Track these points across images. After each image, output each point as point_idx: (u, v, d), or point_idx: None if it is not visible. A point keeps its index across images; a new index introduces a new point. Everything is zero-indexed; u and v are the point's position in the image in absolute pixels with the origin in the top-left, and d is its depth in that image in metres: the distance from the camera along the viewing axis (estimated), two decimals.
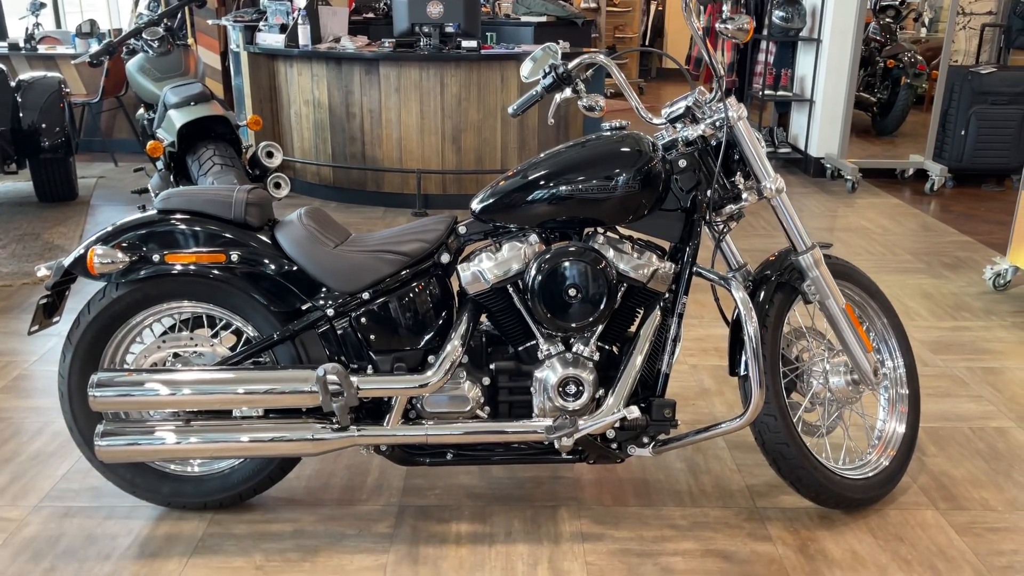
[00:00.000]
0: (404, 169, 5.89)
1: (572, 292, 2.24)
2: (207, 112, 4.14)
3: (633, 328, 2.42)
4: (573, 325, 2.27)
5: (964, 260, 4.90)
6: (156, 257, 2.29)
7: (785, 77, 7.24)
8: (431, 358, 2.37)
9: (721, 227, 2.41)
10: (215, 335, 2.47)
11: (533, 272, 2.26)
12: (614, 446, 2.37)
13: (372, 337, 2.34)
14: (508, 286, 2.34)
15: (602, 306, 2.26)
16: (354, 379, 2.24)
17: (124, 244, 2.29)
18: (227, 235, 2.31)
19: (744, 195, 2.39)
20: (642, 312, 2.40)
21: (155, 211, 2.35)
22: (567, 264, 2.23)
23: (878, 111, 8.16)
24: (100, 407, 2.22)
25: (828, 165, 6.83)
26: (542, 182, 2.29)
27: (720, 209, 2.39)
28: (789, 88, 7.27)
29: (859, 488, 2.46)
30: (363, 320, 2.33)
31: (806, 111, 7.04)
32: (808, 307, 2.52)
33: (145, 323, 2.40)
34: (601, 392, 2.37)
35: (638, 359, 2.34)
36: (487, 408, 2.39)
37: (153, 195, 4.44)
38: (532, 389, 2.35)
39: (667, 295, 2.38)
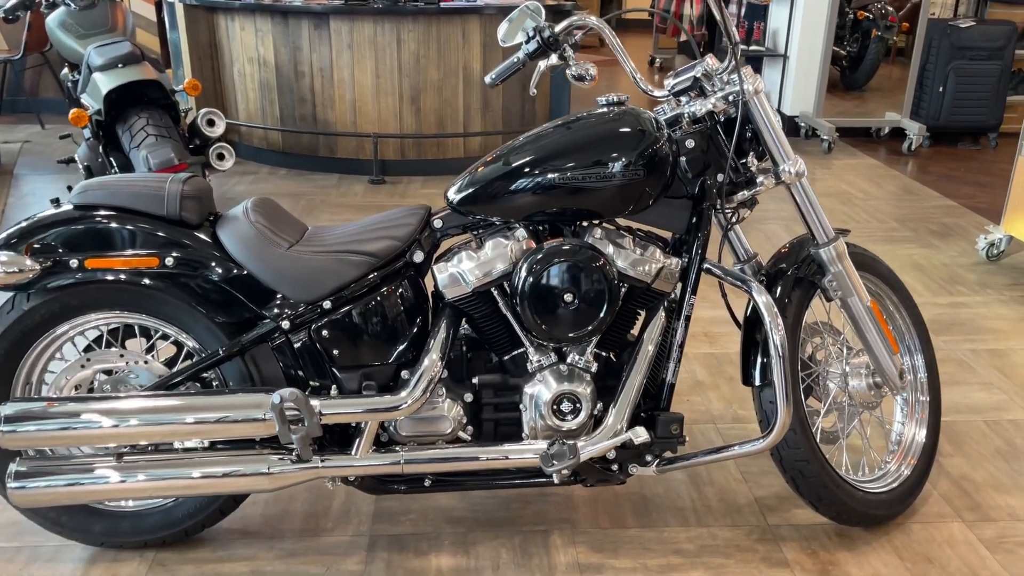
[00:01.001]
0: (359, 133, 5.49)
1: (568, 297, 1.94)
2: (137, 76, 3.70)
3: (634, 332, 2.13)
4: (569, 335, 1.97)
5: (952, 227, 4.70)
6: (74, 262, 1.93)
7: (757, 31, 6.93)
8: (404, 373, 2.05)
9: (731, 216, 2.12)
10: (150, 349, 2.12)
11: (522, 274, 1.94)
12: (614, 467, 2.09)
13: (335, 352, 2.02)
14: (492, 289, 2.03)
15: (602, 312, 1.96)
16: (315, 403, 1.92)
17: (35, 247, 1.92)
18: (160, 235, 1.95)
19: (759, 179, 2.09)
20: (644, 314, 2.11)
21: (71, 206, 1.98)
22: (562, 264, 1.92)
23: (847, 65, 7.91)
24: (13, 444, 1.87)
25: (802, 124, 6.57)
26: (530, 169, 1.96)
27: (731, 195, 2.09)
28: (761, 42, 6.97)
29: (882, 503, 2.23)
30: (324, 332, 2.00)
31: (779, 67, 6.76)
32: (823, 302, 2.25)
33: (66, 335, 2.05)
34: (599, 407, 2.08)
35: (641, 369, 2.06)
36: (469, 428, 2.09)
37: (80, 166, 4.00)
38: (521, 406, 2.06)
39: (672, 295, 2.09)
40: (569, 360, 2.05)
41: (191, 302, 1.99)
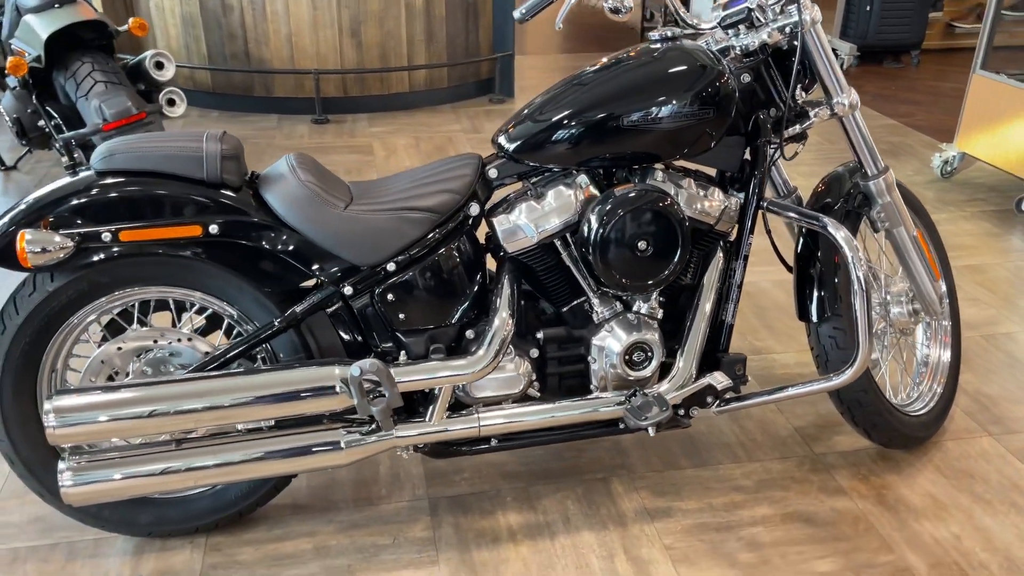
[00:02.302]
0: (298, 70, 5.18)
1: (642, 245, 1.88)
2: (77, 16, 3.35)
3: (688, 277, 2.10)
4: (649, 282, 1.91)
5: (900, 146, 4.84)
6: (107, 236, 1.74)
7: None
8: (469, 333, 1.97)
9: (776, 152, 2.09)
10: (182, 323, 1.96)
11: (592, 223, 1.87)
12: (680, 411, 2.08)
13: (400, 315, 1.91)
14: (556, 240, 1.95)
15: (676, 258, 1.91)
16: (390, 369, 1.82)
17: (61, 221, 1.72)
18: (202, 200, 1.78)
19: (813, 112, 2.07)
20: (702, 257, 2.08)
21: (92, 172, 1.78)
22: (635, 211, 1.86)
23: None
24: (63, 440, 1.70)
25: None
26: (591, 113, 1.87)
27: (782, 130, 2.06)
28: None
29: (923, 425, 2.31)
30: (388, 296, 1.89)
31: None
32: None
33: (95, 315, 1.86)
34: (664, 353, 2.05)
35: (706, 312, 2.03)
36: (536, 383, 2.03)
37: (7, 119, 3.63)
38: (589, 359, 2.01)
39: (729, 235, 2.07)
40: (635, 309, 2.01)
41: (238, 272, 1.83)
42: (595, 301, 2.00)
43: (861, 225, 2.19)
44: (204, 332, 2.05)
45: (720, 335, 2.09)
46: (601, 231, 1.86)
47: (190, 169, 1.77)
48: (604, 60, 2.01)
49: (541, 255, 1.97)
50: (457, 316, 1.95)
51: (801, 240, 2.17)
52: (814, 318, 2.11)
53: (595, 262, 1.88)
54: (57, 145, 3.50)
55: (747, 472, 2.26)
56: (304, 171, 1.84)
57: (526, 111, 1.96)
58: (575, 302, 2.03)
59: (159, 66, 3.54)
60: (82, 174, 1.79)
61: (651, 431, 1.94)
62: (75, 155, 3.41)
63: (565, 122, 1.88)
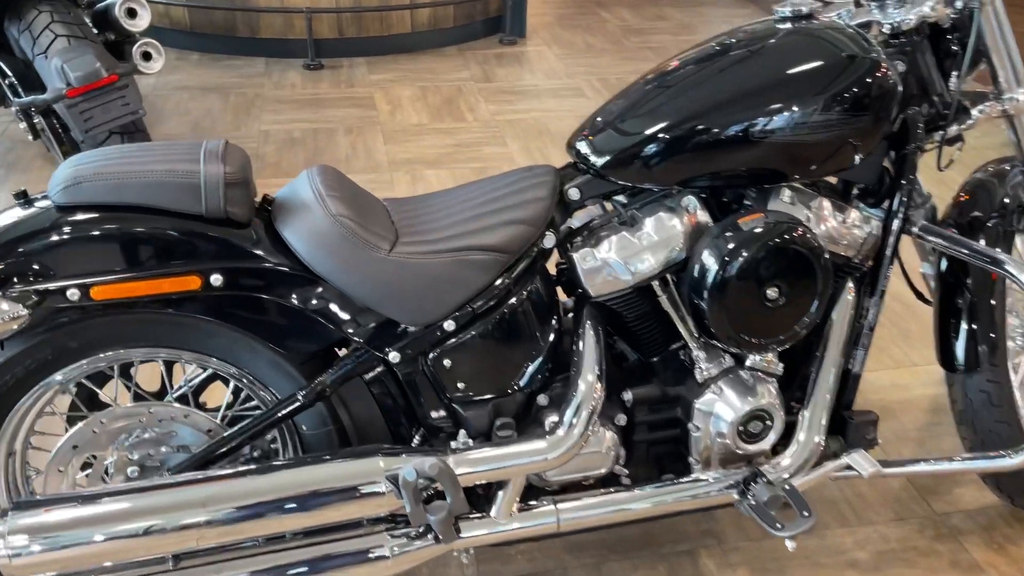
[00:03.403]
0: (287, 8, 4.60)
1: (773, 292, 1.46)
2: None
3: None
4: (780, 339, 1.50)
5: None
6: (74, 294, 1.29)
7: None
8: (542, 399, 1.55)
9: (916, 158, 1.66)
10: (183, 389, 1.53)
11: (707, 264, 1.44)
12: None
13: (459, 384, 1.48)
14: (654, 281, 1.53)
15: (815, 306, 1.50)
16: (450, 461, 1.40)
17: (11, 275, 1.27)
18: (200, 243, 1.33)
19: (977, 109, 1.63)
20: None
21: (50, 204, 1.32)
22: (764, 248, 1.43)
23: None
24: (25, 572, 1.28)
25: None
26: (706, 119, 1.43)
27: (936, 131, 1.63)
28: None
29: None
30: (445, 362, 1.46)
31: None
32: None
33: (62, 384, 1.43)
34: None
35: (835, 360, 1.62)
36: (623, 454, 1.62)
37: None
38: (691, 426, 1.60)
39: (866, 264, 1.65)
40: (749, 363, 1.60)
41: (249, 331, 1.40)
42: (699, 354, 1.58)
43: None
44: (201, 387, 1.62)
45: (845, 388, 1.69)
46: (719, 275, 1.43)
47: (183, 201, 1.32)
48: (711, 44, 1.55)
49: (633, 300, 1.54)
50: (528, 378, 1.53)
51: (943, 265, 1.75)
52: (961, 366, 1.71)
53: (709, 313, 1.46)
54: (14, 109, 2.98)
55: (860, 541, 1.89)
56: (333, 198, 1.39)
57: (614, 113, 1.51)
58: (669, 349, 1.62)
59: (131, 13, 3.00)
60: (38, 206, 1.33)
61: (789, 544, 1.54)
62: (35, 122, 2.91)
63: (669, 132, 1.44)
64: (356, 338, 1.41)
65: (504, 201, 1.48)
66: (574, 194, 1.52)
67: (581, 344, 1.53)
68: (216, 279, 1.34)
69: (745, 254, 1.42)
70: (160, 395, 1.57)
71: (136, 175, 1.30)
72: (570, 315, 1.65)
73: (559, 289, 1.61)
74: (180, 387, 1.54)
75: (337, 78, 4.51)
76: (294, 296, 1.38)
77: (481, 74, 4.61)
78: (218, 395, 1.60)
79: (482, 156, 3.65)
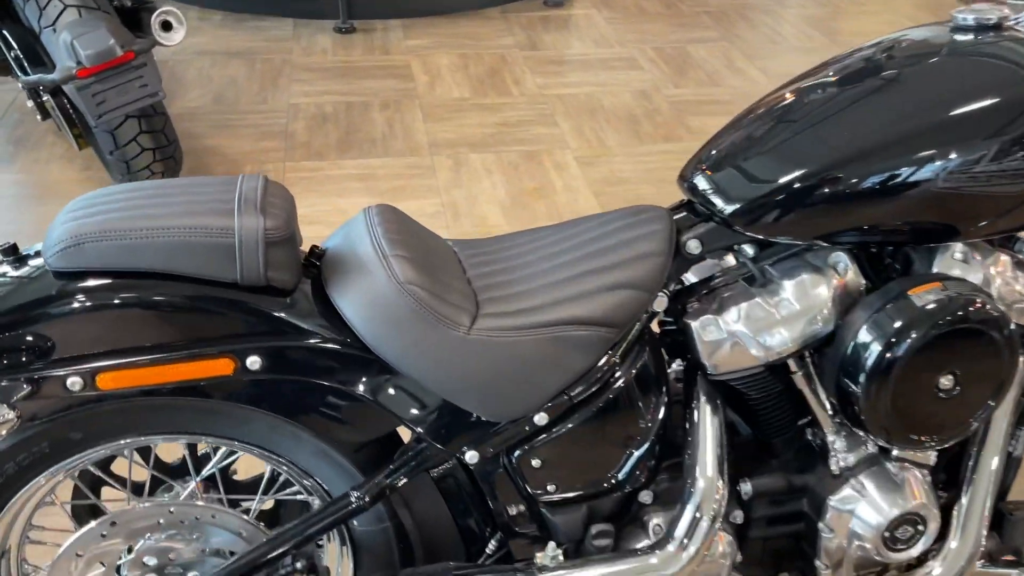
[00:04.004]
0: None
1: (947, 381, 1.17)
2: None
3: None
4: (951, 434, 1.21)
5: None
6: (76, 383, 1.02)
7: None
8: (645, 496, 1.27)
9: None
10: (211, 468, 1.26)
11: (865, 342, 1.15)
12: None
13: (550, 486, 1.21)
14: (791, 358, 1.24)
15: (996, 394, 1.21)
16: None
17: (5, 365, 1.00)
18: (236, 319, 1.05)
19: None
20: None
21: (44, 268, 1.04)
22: (942, 326, 1.13)
23: None
24: None
25: None
26: (871, 161, 1.13)
27: None
28: None
29: None
30: (534, 461, 1.19)
31: None
32: None
33: (60, 479, 1.17)
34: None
35: (997, 444, 1.33)
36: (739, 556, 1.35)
37: None
38: (820, 525, 1.32)
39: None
40: (897, 453, 1.31)
41: (291, 419, 1.13)
42: (835, 440, 1.29)
43: None
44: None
45: (1004, 476, 1.40)
46: (882, 359, 1.14)
47: (214, 266, 1.03)
48: (861, 58, 1.24)
49: (761, 378, 1.25)
50: (629, 472, 1.25)
51: None
52: None
53: (863, 402, 1.17)
54: (20, 86, 2.70)
55: None
56: (400, 258, 1.09)
57: (741, 147, 1.22)
58: (792, 434, 1.34)
59: None
60: (31, 265, 1.06)
61: None
62: (43, 100, 2.62)
63: (818, 178, 1.14)
64: (423, 433, 1.14)
65: (608, 256, 1.18)
66: (694, 247, 1.22)
67: (695, 429, 1.25)
68: (253, 362, 1.06)
69: (917, 335, 1.13)
70: (180, 471, 1.32)
71: (154, 233, 1.01)
72: (677, 382, 1.37)
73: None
74: (208, 469, 1.28)
75: (371, 43, 4.18)
76: (348, 381, 1.10)
77: (526, 41, 4.26)
78: (250, 464, 1.34)
79: (530, 138, 3.33)
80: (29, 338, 1.01)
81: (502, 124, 3.43)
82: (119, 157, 2.58)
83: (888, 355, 1.14)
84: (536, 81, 3.81)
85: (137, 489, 1.29)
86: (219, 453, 1.24)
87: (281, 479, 1.27)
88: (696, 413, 1.26)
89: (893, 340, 1.13)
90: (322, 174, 3.05)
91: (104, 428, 1.12)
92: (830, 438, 1.29)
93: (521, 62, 4.01)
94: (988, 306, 1.15)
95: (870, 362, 1.15)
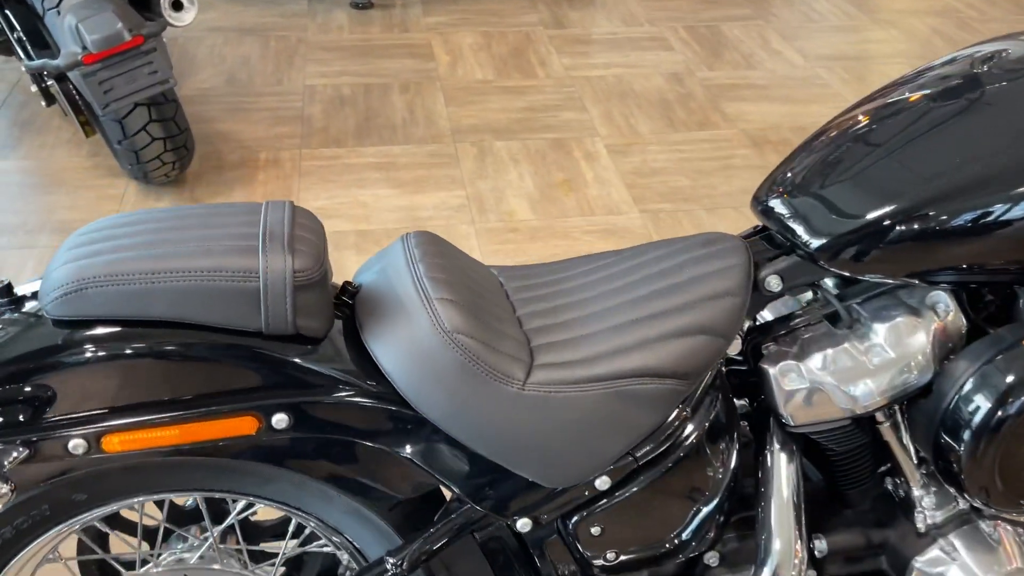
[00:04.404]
0: None
1: None
2: None
3: None
4: None
5: None
6: (78, 446, 0.90)
7: None
8: (711, 558, 1.15)
9: None
10: (231, 520, 1.14)
11: (973, 395, 1.02)
12: None
13: (607, 554, 1.08)
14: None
15: None
16: None
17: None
18: (258, 371, 0.92)
19: None
20: None
21: (47, 317, 0.91)
22: None
23: None
24: None
25: None
26: (983, 191, 1.00)
27: None
28: None
29: None
30: (592, 529, 1.06)
31: None
32: None
33: (63, 537, 1.05)
34: None
35: None
36: None
37: None
38: None
39: None
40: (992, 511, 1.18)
41: (320, 479, 1.00)
42: (921, 495, 1.16)
43: None
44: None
45: None
46: (993, 416, 1.01)
47: (235, 314, 0.90)
48: (954, 68, 1.10)
49: (846, 432, 1.12)
50: (695, 532, 1.12)
51: None
52: None
53: (966, 462, 1.04)
54: (23, 70, 2.55)
55: None
56: (446, 302, 0.95)
57: (824, 171, 1.08)
58: (873, 478, 1.21)
59: None
60: (26, 311, 0.93)
61: None
62: (47, 85, 2.48)
63: (913, 210, 1.00)
64: (469, 498, 1.01)
65: (679, 296, 1.04)
66: (774, 284, 1.08)
67: (769, 481, 1.13)
68: (280, 420, 0.93)
69: None
70: (195, 515, 1.19)
71: (167, 277, 0.88)
72: (743, 420, 1.24)
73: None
74: (227, 521, 1.16)
75: (389, 20, 4.01)
76: (384, 439, 0.97)
77: (551, 18, 4.08)
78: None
79: (558, 124, 3.17)
80: (26, 396, 0.88)
81: (528, 109, 3.27)
82: (128, 147, 2.44)
83: (999, 412, 1.01)
84: (562, 62, 3.64)
85: (148, 534, 1.18)
86: (239, 505, 1.12)
87: (308, 531, 1.15)
88: (769, 462, 1.14)
89: (1005, 396, 1.00)
90: (340, 163, 2.91)
91: (112, 488, 0.99)
92: (916, 492, 1.17)
93: (546, 41, 3.83)
94: None
95: (977, 419, 1.02)
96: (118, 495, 1.00)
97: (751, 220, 1.15)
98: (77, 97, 2.43)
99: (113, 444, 0.90)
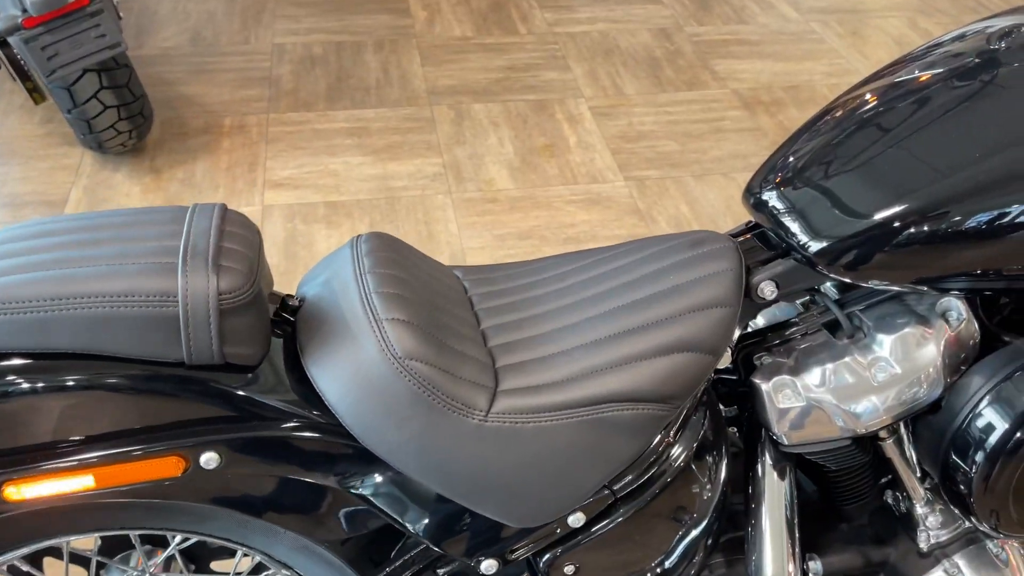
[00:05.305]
0: None
1: None
2: None
3: None
4: None
5: None
6: None
7: None
8: None
9: None
10: (170, 551, 1.04)
11: (987, 412, 0.92)
12: None
13: None
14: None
15: None
16: None
17: None
18: (183, 406, 0.81)
19: None
20: None
21: None
22: None
23: None
24: None
25: None
26: (997, 190, 0.88)
27: None
28: None
29: None
30: (564, 568, 0.96)
31: None
32: None
33: None
34: None
35: None
36: None
37: None
38: None
39: None
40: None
41: (261, 517, 0.90)
42: (925, 512, 1.07)
43: None
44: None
45: None
46: (1009, 437, 0.91)
47: (151, 345, 0.78)
48: (967, 45, 0.99)
49: (846, 452, 1.02)
50: (680, 558, 1.03)
51: None
52: None
53: (976, 484, 0.94)
54: None
55: None
56: (399, 325, 0.83)
57: (824, 159, 0.96)
58: (872, 493, 1.11)
59: None
60: None
61: None
62: None
63: (924, 211, 0.88)
64: (427, 539, 0.90)
65: (662, 306, 0.93)
66: (767, 291, 0.96)
67: (760, 499, 1.03)
68: (209, 459, 0.82)
69: None
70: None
71: (71, 304, 0.76)
72: (731, 426, 1.14)
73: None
74: (165, 554, 1.05)
75: None
76: (331, 475, 0.87)
77: None
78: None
79: (540, 84, 3.02)
80: None
81: (508, 68, 3.12)
82: (79, 116, 2.29)
83: (1017, 434, 0.91)
84: (545, 16, 3.47)
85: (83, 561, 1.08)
86: (177, 538, 1.01)
87: (257, 560, 1.05)
88: (761, 479, 1.04)
89: (1023, 418, 0.90)
90: (310, 128, 2.76)
91: (25, 532, 0.88)
92: (920, 510, 1.07)
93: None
94: None
95: (991, 440, 0.92)
96: (33, 539, 0.90)
97: (742, 186, 1.04)
98: (22, 62, 2.27)
99: (14, 494, 0.79)
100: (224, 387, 0.82)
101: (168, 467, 0.82)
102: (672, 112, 2.89)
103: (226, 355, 0.80)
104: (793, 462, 1.06)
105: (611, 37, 3.33)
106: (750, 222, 1.04)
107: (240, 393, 0.83)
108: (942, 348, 0.96)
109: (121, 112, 2.31)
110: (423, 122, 2.81)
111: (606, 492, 0.92)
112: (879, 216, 0.90)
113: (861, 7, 3.60)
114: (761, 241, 1.00)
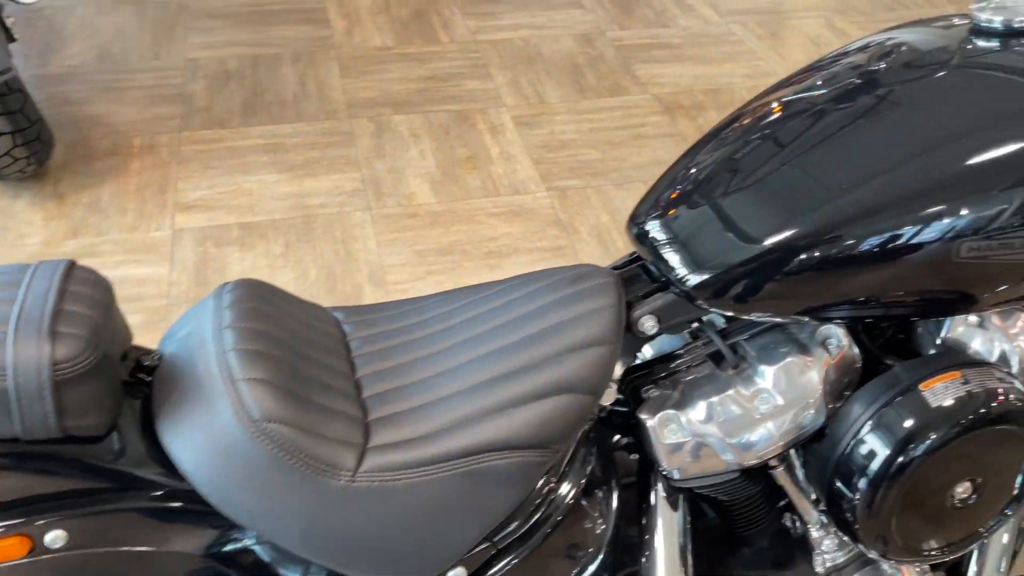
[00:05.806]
0: None
1: (963, 489, 0.93)
2: None
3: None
4: (959, 543, 0.99)
5: None
6: None
7: None
8: None
9: None
10: None
11: (869, 441, 0.91)
12: None
13: None
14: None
15: (1013, 495, 0.98)
16: None
17: None
18: (21, 483, 0.76)
19: None
20: None
21: None
22: (967, 427, 0.89)
23: None
24: None
25: None
26: (879, 218, 0.87)
27: None
28: None
29: None
30: None
31: None
32: None
33: None
34: None
35: (1010, 528, 1.13)
36: None
37: None
38: None
39: None
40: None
41: None
42: (819, 536, 1.06)
43: None
44: None
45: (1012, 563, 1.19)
46: (889, 464, 0.90)
47: None
48: (856, 63, 0.98)
49: (735, 484, 1.01)
50: None
51: None
52: None
53: (860, 511, 0.93)
54: None
55: None
56: (256, 385, 0.79)
57: (707, 187, 0.95)
58: (769, 519, 1.10)
59: None
60: None
61: None
62: None
63: (805, 240, 0.87)
64: None
65: (539, 347, 0.90)
66: (648, 326, 0.94)
67: (653, 530, 1.01)
68: (55, 538, 0.77)
69: (933, 438, 0.88)
70: None
71: None
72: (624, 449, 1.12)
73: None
74: None
75: None
76: (192, 546, 0.82)
77: None
78: None
79: (462, 94, 2.99)
80: None
81: (429, 78, 3.08)
82: None
83: (898, 460, 0.90)
84: (467, 24, 3.44)
85: None
86: None
87: None
88: (654, 510, 1.02)
89: (903, 444, 0.89)
90: (224, 146, 2.68)
91: None
92: (815, 534, 1.06)
93: (450, 1, 3.61)
94: (1015, 397, 0.91)
95: (873, 467, 0.91)
96: None
97: None
98: None
99: None
100: (69, 459, 0.77)
101: (11, 549, 0.76)
102: (593, 120, 2.88)
103: (67, 428, 0.75)
104: (687, 494, 1.04)
105: (533, 44, 3.31)
106: (633, 253, 1.02)
107: (87, 464, 0.78)
108: (823, 375, 0.95)
109: (17, 139, 2.21)
110: (342, 136, 2.75)
111: (487, 544, 0.89)
112: (760, 246, 0.88)
113: (780, 8, 3.64)
114: (645, 272, 0.98)
